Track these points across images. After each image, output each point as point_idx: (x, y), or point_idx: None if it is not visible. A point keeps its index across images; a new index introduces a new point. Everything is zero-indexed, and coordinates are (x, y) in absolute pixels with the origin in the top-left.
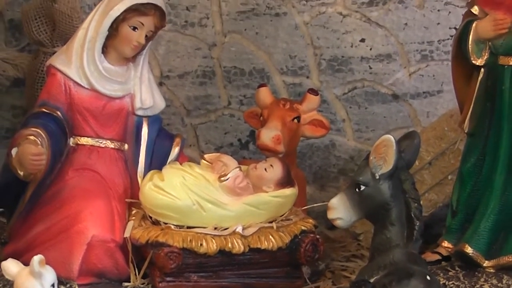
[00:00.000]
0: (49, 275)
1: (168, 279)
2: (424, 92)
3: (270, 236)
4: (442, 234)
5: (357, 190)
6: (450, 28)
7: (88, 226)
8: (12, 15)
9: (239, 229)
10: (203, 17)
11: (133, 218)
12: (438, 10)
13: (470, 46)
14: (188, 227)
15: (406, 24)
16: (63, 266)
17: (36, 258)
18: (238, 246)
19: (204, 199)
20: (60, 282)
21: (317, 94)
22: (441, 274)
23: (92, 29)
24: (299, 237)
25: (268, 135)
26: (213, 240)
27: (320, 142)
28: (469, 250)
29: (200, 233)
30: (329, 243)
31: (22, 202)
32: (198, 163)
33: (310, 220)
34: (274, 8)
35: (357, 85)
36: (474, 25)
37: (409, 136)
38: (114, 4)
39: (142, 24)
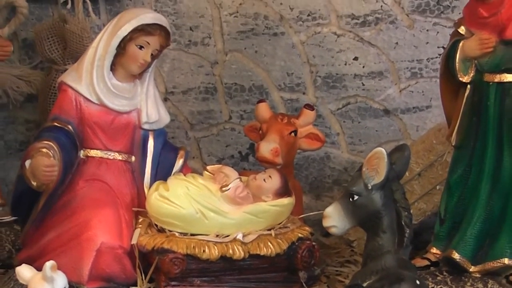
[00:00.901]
0: (61, 280)
1: (173, 283)
2: (413, 107)
3: (269, 243)
4: (430, 241)
5: (350, 199)
6: (438, 47)
7: (97, 233)
8: (26, 34)
9: (239, 236)
10: (206, 36)
11: (140, 226)
12: (427, 30)
13: (457, 64)
14: (192, 235)
15: (396, 43)
16: (74, 271)
17: (48, 264)
18: (238, 252)
19: (206, 208)
20: (71, 286)
21: (313, 109)
22: (430, 279)
23: (101, 48)
24: (296, 243)
25: (267, 147)
26: (215, 247)
27: (316, 154)
28: (456, 256)
29: (203, 240)
30: (324, 250)
31: (35, 211)
32: (201, 174)
33: (307, 228)
34: (272, 28)
35: (350, 101)
36: (461, 44)
37: (400, 149)
38: (122, 24)
39: (148, 43)
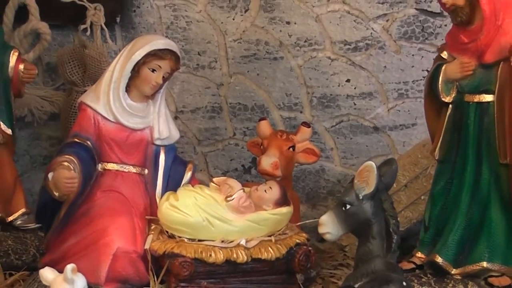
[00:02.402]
0: (80, 282)
1: (182, 285)
2: (400, 125)
3: (269, 248)
4: (416, 246)
5: (343, 208)
6: (422, 70)
7: (113, 239)
8: (49, 59)
9: (242, 242)
10: (212, 60)
11: (152, 232)
12: (413, 55)
13: (440, 85)
14: (199, 240)
15: (385, 67)
16: (92, 273)
17: (69, 267)
18: (242, 257)
19: (212, 216)
20: (89, 287)
21: (309, 127)
22: (415, 281)
23: (117, 71)
24: (294, 248)
25: (268, 161)
26: (221, 252)
27: (312, 168)
28: (439, 259)
29: (209, 245)
30: (319, 254)
31: (57, 219)
32: (208, 186)
33: (303, 234)
34: (272, 53)
35: (343, 119)
36: (443, 68)
37: (388, 163)
38: (136, 50)
39: (160, 67)
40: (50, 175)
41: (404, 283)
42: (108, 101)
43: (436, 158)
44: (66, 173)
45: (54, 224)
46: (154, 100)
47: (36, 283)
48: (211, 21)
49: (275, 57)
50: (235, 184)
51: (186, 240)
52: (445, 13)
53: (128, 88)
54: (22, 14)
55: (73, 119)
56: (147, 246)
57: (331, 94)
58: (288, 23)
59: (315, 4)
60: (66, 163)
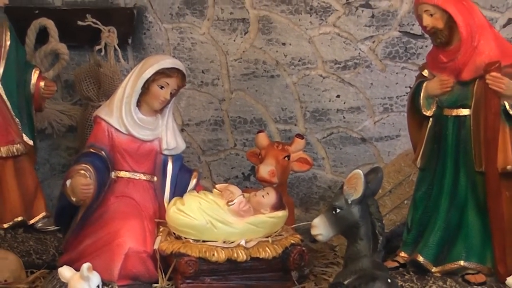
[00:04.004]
0: (95, 279)
1: (187, 281)
2: (385, 136)
3: (267, 248)
4: (399, 246)
5: (333, 212)
6: (406, 87)
7: (126, 240)
8: (67, 76)
9: (242, 242)
10: (215, 78)
11: (161, 234)
12: (397, 73)
13: (421, 101)
14: (203, 241)
15: (371, 83)
16: (106, 271)
17: (85, 265)
18: (242, 256)
19: (215, 219)
20: (104, 284)
21: (303, 138)
22: (399, 278)
23: (129, 87)
24: (289, 248)
25: (265, 169)
26: (223, 251)
27: (305, 175)
28: (420, 259)
29: (212, 245)
30: (312, 253)
31: (74, 222)
32: (211, 192)
33: (298, 236)
34: (269, 71)
35: (333, 131)
36: (424, 84)
37: (374, 171)
38: (146, 68)
39: (168, 84)
40: (68, 182)
41: (389, 280)
42: (121, 115)
43: (418, 166)
44: (83, 180)
45: (71, 226)
46: (163, 114)
47: (55, 280)
48: (214, 43)
49: (272, 75)
50: (235, 190)
51: (191, 241)
52: (426, 35)
53: (139, 103)
54: (42, 36)
55: (89, 131)
56: (156, 246)
57: (322, 109)
58: (283, 44)
59: (308, 27)
60: (82, 171)
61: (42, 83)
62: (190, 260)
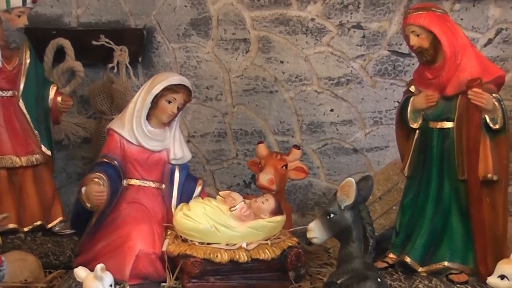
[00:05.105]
0: (108, 278)
1: (193, 280)
2: (375, 147)
3: (266, 250)
4: (388, 248)
5: (328, 217)
6: (394, 101)
7: (136, 243)
8: (82, 92)
9: (244, 245)
10: (218, 93)
11: (169, 237)
12: (386, 89)
13: (408, 114)
14: (208, 244)
15: (363, 98)
16: (118, 271)
17: (99, 266)
18: (243, 257)
19: (219, 223)
20: (116, 283)
21: (299, 149)
22: (388, 277)
23: (139, 102)
24: (287, 250)
25: (265, 178)
26: (225, 253)
27: (302, 183)
28: (408, 260)
29: (216, 248)
30: (307, 255)
31: (89, 226)
32: (215, 198)
33: (294, 238)
34: (268, 87)
35: (327, 142)
36: (411, 99)
37: (365, 179)
38: (155, 85)
39: (175, 99)
40: (83, 189)
41: (379, 279)
42: (132, 128)
43: (405, 174)
44: (97, 188)
45: (86, 230)
46: (170, 127)
47: (71, 279)
48: (218, 61)
49: (271, 91)
50: (237, 196)
51: (196, 243)
52: (413, 54)
53: (148, 117)
54: (60, 55)
55: (103, 142)
56: (164, 249)
57: (317, 121)
58: (282, 62)
59: (304, 47)
60: (96, 179)
61: (59, 98)
62: (195, 261)
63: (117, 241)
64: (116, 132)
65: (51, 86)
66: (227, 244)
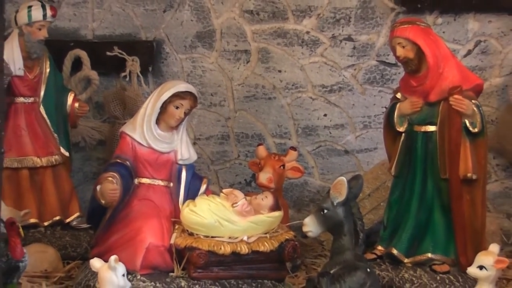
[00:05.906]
0: (121, 269)
1: (198, 271)
2: (365, 149)
3: (265, 243)
4: (377, 241)
5: (322, 212)
6: (382, 107)
7: (147, 236)
8: (97, 98)
9: (245, 238)
10: (222, 100)
11: (176, 231)
12: (374, 96)
13: (395, 119)
14: (212, 237)
15: (353, 104)
16: (130, 262)
17: (112, 258)
18: (244, 249)
19: (222, 218)
20: (128, 273)
21: (296, 150)
22: (377, 267)
23: (149, 108)
24: (284, 243)
25: (264, 176)
26: (228, 245)
27: (298, 181)
28: (395, 251)
29: (220, 241)
30: (303, 247)
31: (103, 221)
32: (219, 195)
33: (291, 232)
34: (267, 94)
35: (321, 144)
36: (398, 105)
37: (356, 178)
38: (163, 92)
39: (182, 104)
40: (98, 187)
41: (368, 270)
42: (143, 131)
43: (392, 174)
44: (110, 186)
45: (101, 224)
46: (178, 130)
47: (87, 270)
48: (221, 70)
49: (270, 97)
50: (239, 194)
51: (202, 236)
52: (399, 64)
53: (157, 121)
54: (77, 65)
55: (116, 144)
56: (172, 241)
57: (312, 125)
58: (279, 71)
59: (300, 57)
60: (110, 178)
61: (76, 104)
62: (200, 253)
63: (129, 234)
64: (128, 135)
65: (69, 93)
66: (229, 237)
